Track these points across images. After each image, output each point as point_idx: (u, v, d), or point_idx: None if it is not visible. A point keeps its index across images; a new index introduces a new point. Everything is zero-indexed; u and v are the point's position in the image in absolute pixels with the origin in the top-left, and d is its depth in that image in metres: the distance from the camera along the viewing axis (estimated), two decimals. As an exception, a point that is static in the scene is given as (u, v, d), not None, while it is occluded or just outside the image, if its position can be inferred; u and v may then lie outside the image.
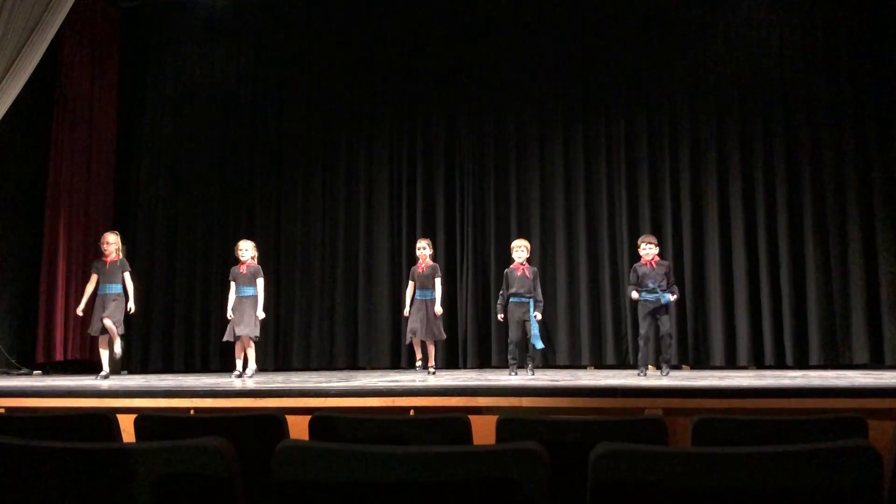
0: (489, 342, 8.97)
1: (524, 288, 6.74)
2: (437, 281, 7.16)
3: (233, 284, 7.11)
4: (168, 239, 9.75)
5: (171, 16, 10.11)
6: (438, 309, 7.10)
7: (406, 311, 7.30)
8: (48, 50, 7.12)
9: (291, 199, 9.74)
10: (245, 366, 7.08)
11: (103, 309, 6.74)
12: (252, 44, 10.05)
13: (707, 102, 8.75)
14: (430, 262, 7.28)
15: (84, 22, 9.12)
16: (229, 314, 7.05)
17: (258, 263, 7.23)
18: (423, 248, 7.30)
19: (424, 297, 7.12)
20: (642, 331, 6.48)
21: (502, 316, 6.95)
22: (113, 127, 9.78)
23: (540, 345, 6.75)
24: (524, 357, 6.83)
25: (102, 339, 6.86)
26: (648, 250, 6.62)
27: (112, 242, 6.94)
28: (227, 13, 9.98)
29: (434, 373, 7.12)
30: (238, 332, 6.95)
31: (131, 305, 6.87)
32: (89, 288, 6.95)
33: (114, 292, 6.81)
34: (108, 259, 6.91)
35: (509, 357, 6.81)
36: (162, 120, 10.02)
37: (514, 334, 6.75)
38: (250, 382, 6.14)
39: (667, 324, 6.44)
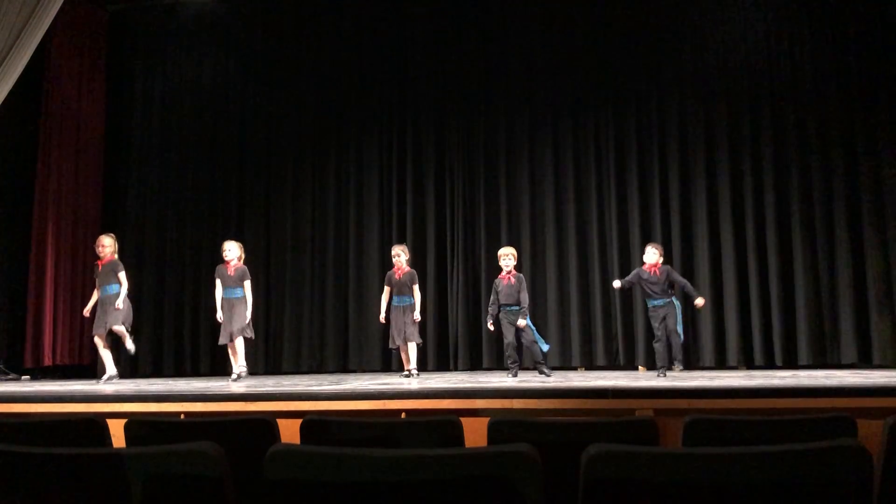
0: (480, 345, 8.96)
1: (512, 299, 6.85)
2: (415, 288, 7.18)
3: (219, 283, 7.07)
4: (157, 241, 9.69)
5: (159, 17, 10.06)
6: (417, 316, 7.14)
7: (382, 317, 7.30)
8: (35, 53, 7.09)
9: (280, 200, 9.71)
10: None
11: (102, 311, 6.95)
12: (240, 45, 10.01)
13: (696, 105, 8.77)
14: (407, 269, 7.26)
15: (71, 24, 9.08)
16: (219, 316, 7.01)
17: (244, 265, 7.17)
18: (398, 256, 7.27)
19: (402, 303, 7.14)
20: (658, 333, 6.81)
21: (492, 326, 7.06)
22: (101, 129, 9.73)
23: (545, 347, 6.88)
24: (522, 357, 6.88)
25: (100, 341, 7.00)
26: (646, 257, 6.91)
27: (106, 245, 7.12)
28: (215, 14, 9.94)
29: (410, 374, 7.07)
30: (231, 334, 6.92)
31: (119, 303, 6.91)
32: (97, 292, 7.15)
33: (110, 294, 6.99)
34: (102, 261, 7.11)
35: (508, 360, 6.86)
36: (150, 122, 9.97)
37: (509, 337, 6.82)
38: (236, 386, 6.11)
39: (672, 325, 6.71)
